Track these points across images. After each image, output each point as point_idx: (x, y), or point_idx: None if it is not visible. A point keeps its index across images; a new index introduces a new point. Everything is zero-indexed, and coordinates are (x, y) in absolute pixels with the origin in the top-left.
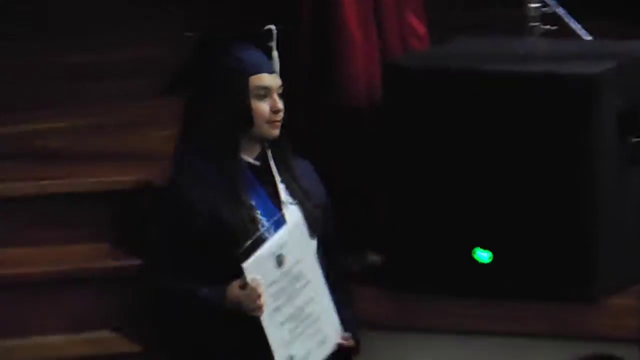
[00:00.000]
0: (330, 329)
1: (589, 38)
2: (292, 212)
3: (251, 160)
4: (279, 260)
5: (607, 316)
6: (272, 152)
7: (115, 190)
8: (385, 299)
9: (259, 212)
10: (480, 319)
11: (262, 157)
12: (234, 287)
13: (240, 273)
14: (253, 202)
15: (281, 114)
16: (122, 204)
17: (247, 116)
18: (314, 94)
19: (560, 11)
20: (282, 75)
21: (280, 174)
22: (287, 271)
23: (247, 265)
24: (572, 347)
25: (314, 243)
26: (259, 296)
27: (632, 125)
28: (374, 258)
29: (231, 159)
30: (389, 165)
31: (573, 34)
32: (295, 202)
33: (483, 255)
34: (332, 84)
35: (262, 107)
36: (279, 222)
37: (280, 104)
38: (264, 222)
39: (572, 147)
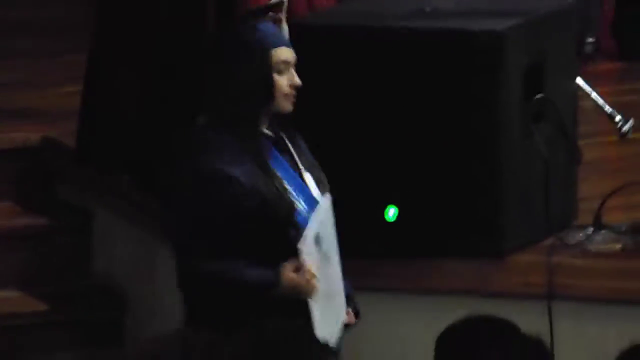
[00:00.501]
0: (342, 307)
1: None
2: (310, 181)
3: (266, 131)
4: (317, 240)
5: (514, 273)
6: (280, 123)
7: (18, 148)
8: None
9: (284, 181)
10: (389, 278)
11: (272, 129)
12: (287, 269)
13: (278, 249)
14: (279, 173)
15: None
16: (26, 162)
17: (269, 90)
18: None
19: None
20: None
21: (291, 143)
22: (322, 250)
23: (301, 245)
24: (478, 304)
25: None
26: (314, 277)
27: (536, 82)
28: None
29: (254, 131)
30: (298, 125)
31: None
32: (307, 169)
33: (390, 213)
34: None
35: (282, 81)
36: (304, 191)
37: (298, 80)
38: (290, 190)
39: (477, 104)
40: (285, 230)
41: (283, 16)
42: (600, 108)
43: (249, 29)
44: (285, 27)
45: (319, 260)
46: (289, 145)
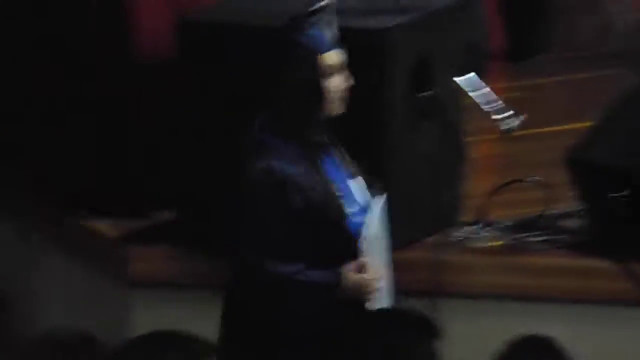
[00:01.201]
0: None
1: None
2: (355, 186)
3: (317, 136)
4: (374, 240)
5: (400, 269)
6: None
7: None
8: (179, 257)
9: (335, 186)
10: None
11: (322, 133)
12: (349, 271)
13: (330, 253)
14: (330, 176)
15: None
16: None
17: (319, 94)
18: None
19: None
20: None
21: (339, 148)
22: (378, 250)
23: (362, 245)
24: None
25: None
26: (378, 280)
27: (423, 79)
28: None
29: (308, 136)
30: (182, 120)
31: None
32: (351, 175)
33: None
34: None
35: (334, 83)
36: (351, 196)
37: (350, 81)
38: (341, 195)
39: (364, 100)
40: (338, 234)
41: (332, 19)
42: (487, 105)
43: (297, 34)
44: (334, 29)
45: (377, 260)
46: (337, 150)
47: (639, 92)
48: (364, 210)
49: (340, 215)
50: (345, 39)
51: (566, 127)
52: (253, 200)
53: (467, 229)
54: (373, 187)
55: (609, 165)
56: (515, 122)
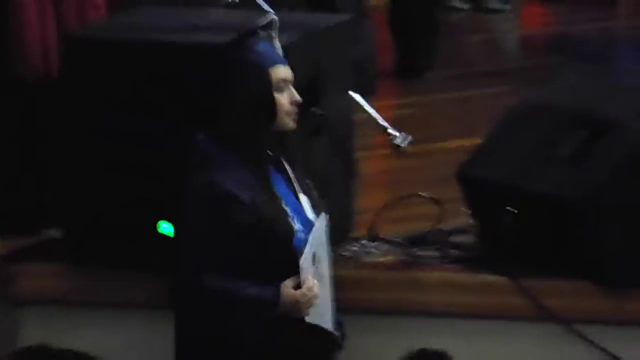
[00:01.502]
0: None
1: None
2: (304, 202)
3: (267, 151)
4: (314, 259)
5: None
6: (280, 143)
7: None
8: (68, 274)
9: (283, 202)
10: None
11: (272, 148)
12: (287, 287)
13: (276, 270)
14: (278, 193)
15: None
16: None
17: (270, 108)
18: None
19: None
20: None
21: (289, 164)
22: (318, 270)
23: (302, 262)
24: None
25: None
26: (315, 296)
27: (313, 97)
28: None
29: (257, 151)
30: (68, 137)
31: (257, 6)
32: (303, 191)
33: (167, 228)
34: (12, 55)
35: (283, 99)
36: (300, 213)
37: (298, 96)
38: (288, 212)
39: None
40: (284, 251)
41: (275, 34)
42: (376, 122)
43: (245, 50)
44: (278, 45)
45: (315, 279)
46: (287, 166)
47: (523, 110)
48: (311, 226)
49: (287, 232)
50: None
51: (456, 143)
52: (192, 213)
53: (358, 244)
54: (318, 206)
55: (497, 182)
56: (406, 140)
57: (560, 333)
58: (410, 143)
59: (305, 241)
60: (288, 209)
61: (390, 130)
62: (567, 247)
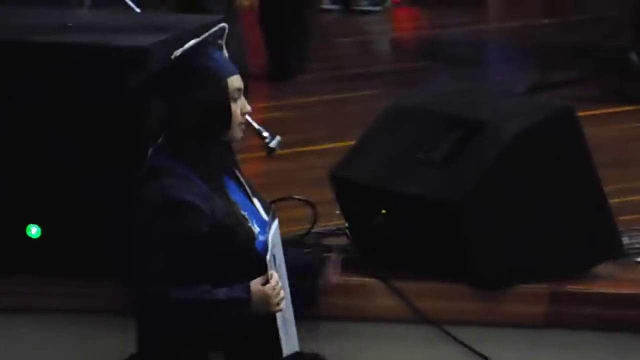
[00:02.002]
0: (293, 325)
1: (139, 10)
2: (257, 204)
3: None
4: (275, 261)
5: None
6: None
7: None
8: None
9: (240, 207)
10: (38, 295)
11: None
12: (256, 283)
13: (240, 275)
14: (234, 199)
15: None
16: None
17: (227, 118)
18: None
19: None
20: None
21: (237, 170)
22: (278, 273)
23: (268, 257)
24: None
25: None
26: (281, 288)
27: None
28: None
29: (212, 160)
30: None
31: (125, 6)
32: (253, 194)
33: (34, 231)
34: None
35: (236, 109)
36: (256, 216)
37: (248, 107)
38: (246, 216)
39: (123, 124)
40: (247, 256)
41: (223, 43)
42: (249, 124)
43: (202, 58)
44: (226, 54)
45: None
46: (237, 172)
47: (395, 113)
48: (267, 229)
49: (248, 237)
50: (104, 57)
51: (329, 145)
52: (147, 225)
53: None
54: (268, 207)
55: (368, 184)
56: (275, 140)
57: (433, 335)
58: (280, 144)
59: (266, 242)
60: (245, 214)
61: (263, 133)
62: (439, 249)
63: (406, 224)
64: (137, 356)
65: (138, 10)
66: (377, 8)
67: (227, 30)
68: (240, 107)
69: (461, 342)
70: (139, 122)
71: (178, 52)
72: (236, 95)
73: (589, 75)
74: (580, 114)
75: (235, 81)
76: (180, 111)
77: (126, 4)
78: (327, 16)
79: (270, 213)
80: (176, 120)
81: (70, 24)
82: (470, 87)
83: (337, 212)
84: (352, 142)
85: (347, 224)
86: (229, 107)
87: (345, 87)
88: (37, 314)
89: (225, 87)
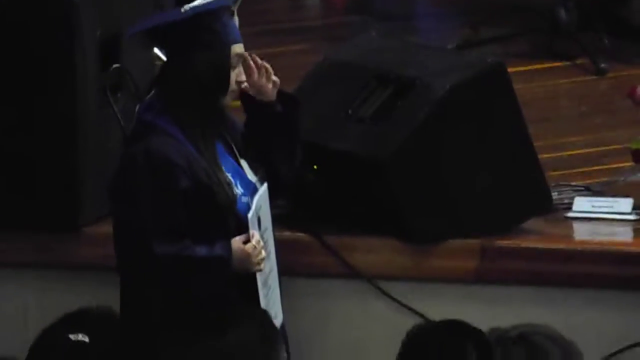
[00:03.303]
0: (277, 291)
1: None
2: (245, 165)
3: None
4: (259, 222)
5: (93, 245)
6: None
7: None
8: None
9: (224, 168)
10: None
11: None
12: (237, 241)
13: (223, 234)
14: (221, 159)
15: None
16: None
17: (225, 83)
18: None
19: None
20: None
21: (226, 131)
22: (261, 235)
23: (250, 216)
24: (60, 277)
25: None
26: (262, 246)
27: (113, 52)
28: None
29: (203, 122)
30: None
31: None
32: (242, 156)
33: None
34: None
35: (233, 76)
36: (242, 177)
37: (244, 76)
38: (230, 178)
39: (53, 76)
40: (228, 217)
41: (236, 10)
42: None
43: (213, 19)
44: (236, 20)
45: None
46: (226, 135)
47: (325, 68)
48: (254, 189)
49: (229, 198)
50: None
51: None
52: (130, 182)
53: None
54: (257, 168)
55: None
56: None
57: (365, 289)
58: None
59: (249, 203)
60: (229, 175)
61: None
62: (370, 204)
63: (337, 180)
64: (121, 312)
65: None
66: None
67: None
68: (237, 75)
69: (392, 297)
70: (65, 79)
71: (188, 7)
72: (235, 63)
73: (518, 32)
74: (510, 70)
75: (238, 48)
76: (179, 69)
77: None
78: None
79: (259, 176)
80: (172, 78)
81: None
82: (400, 43)
83: None
84: None
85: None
86: (229, 75)
87: (275, 42)
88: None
89: (229, 53)
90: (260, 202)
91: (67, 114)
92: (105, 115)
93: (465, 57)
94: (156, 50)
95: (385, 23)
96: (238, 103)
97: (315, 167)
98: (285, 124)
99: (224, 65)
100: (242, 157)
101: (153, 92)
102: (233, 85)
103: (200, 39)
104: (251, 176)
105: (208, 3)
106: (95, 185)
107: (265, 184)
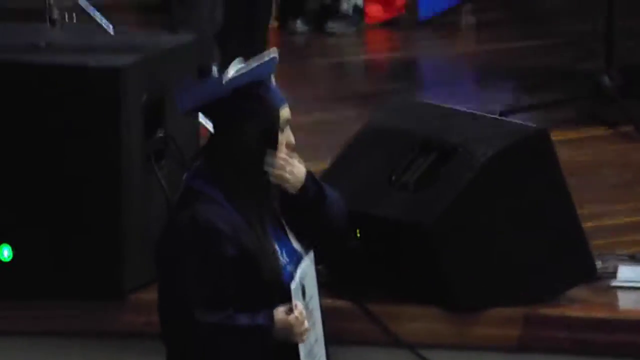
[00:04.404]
0: None
1: (112, 30)
2: (290, 235)
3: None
4: (303, 291)
5: (136, 312)
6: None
7: None
8: None
9: (271, 237)
10: (7, 319)
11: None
12: (280, 312)
13: (267, 304)
14: (267, 229)
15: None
16: None
17: (273, 147)
18: None
19: (83, 2)
20: None
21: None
22: (306, 304)
23: (294, 287)
24: (103, 345)
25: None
26: (305, 318)
27: (157, 118)
28: None
29: (251, 189)
30: None
31: (96, 25)
32: (287, 222)
33: (4, 253)
34: None
35: (282, 141)
36: (287, 245)
37: (293, 139)
38: (276, 247)
39: (97, 143)
40: (272, 286)
41: (273, 72)
42: None
43: (262, 87)
44: (274, 82)
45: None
46: (273, 202)
47: (368, 135)
48: (298, 260)
49: (275, 267)
50: (74, 78)
51: None
52: (175, 249)
53: None
54: (302, 243)
55: None
56: None
57: (407, 358)
58: None
59: (293, 272)
60: (275, 244)
61: None
62: (414, 271)
63: (381, 247)
64: None
65: (110, 29)
66: (351, 29)
67: (277, 60)
68: (286, 138)
69: None
70: (110, 147)
71: (230, 77)
72: (283, 126)
73: (562, 99)
74: (554, 137)
75: (285, 112)
76: (227, 139)
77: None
78: (299, 37)
79: (304, 244)
80: (221, 148)
81: (42, 44)
82: (443, 109)
83: None
84: (325, 165)
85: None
86: (277, 136)
87: (319, 109)
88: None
89: (277, 117)
90: (305, 272)
91: (111, 183)
92: (149, 182)
93: (508, 124)
94: (201, 117)
95: (428, 89)
96: None
97: (358, 233)
98: (314, 209)
99: (273, 130)
100: (288, 225)
101: (201, 160)
102: (283, 149)
103: (246, 108)
104: (296, 245)
105: (250, 72)
106: (139, 252)
107: (311, 253)
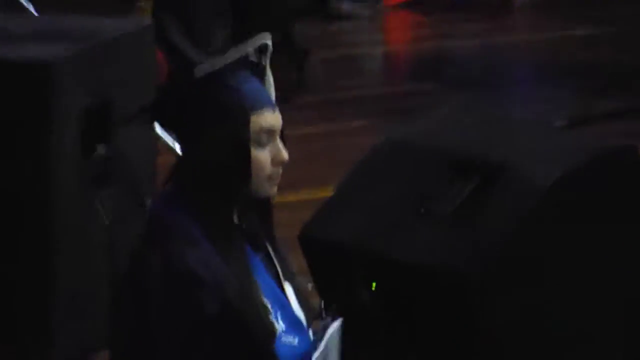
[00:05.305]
0: None
1: (37, 14)
2: (290, 293)
3: (238, 222)
4: None
5: None
6: (258, 213)
7: None
8: None
9: (262, 292)
10: None
11: (247, 219)
12: None
13: None
14: (257, 277)
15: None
16: None
17: (245, 168)
18: None
19: None
20: None
21: (268, 240)
22: None
23: None
24: None
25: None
26: None
27: (101, 128)
28: None
29: (227, 223)
30: None
31: (19, 7)
32: (286, 278)
33: None
34: None
35: (262, 155)
36: (284, 307)
37: (284, 154)
38: (269, 305)
39: (18, 166)
40: (260, 356)
41: (267, 64)
42: None
43: (226, 89)
44: (270, 79)
45: None
46: (267, 244)
47: (386, 152)
48: (299, 326)
49: (265, 333)
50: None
51: (302, 196)
52: (144, 299)
53: None
54: (306, 300)
55: (349, 249)
56: None
57: None
58: None
59: (293, 347)
60: (268, 302)
61: None
62: (448, 336)
63: (403, 302)
64: None
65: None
66: (365, 12)
67: (270, 48)
68: (272, 153)
69: None
70: (40, 164)
71: (201, 73)
72: (264, 138)
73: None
74: None
75: (263, 119)
76: (190, 152)
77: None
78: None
79: (331, 310)
80: (185, 165)
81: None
82: (486, 119)
83: (309, 284)
84: (330, 191)
85: (322, 301)
86: (248, 154)
87: (324, 117)
88: None
89: (246, 126)
90: (330, 344)
91: (36, 217)
92: (89, 216)
93: (579, 137)
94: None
95: (465, 92)
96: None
97: (374, 285)
98: None
99: (240, 144)
100: (286, 279)
101: (171, 183)
102: (266, 168)
103: (208, 113)
104: (297, 310)
105: (225, 62)
106: (74, 317)
107: (340, 320)
